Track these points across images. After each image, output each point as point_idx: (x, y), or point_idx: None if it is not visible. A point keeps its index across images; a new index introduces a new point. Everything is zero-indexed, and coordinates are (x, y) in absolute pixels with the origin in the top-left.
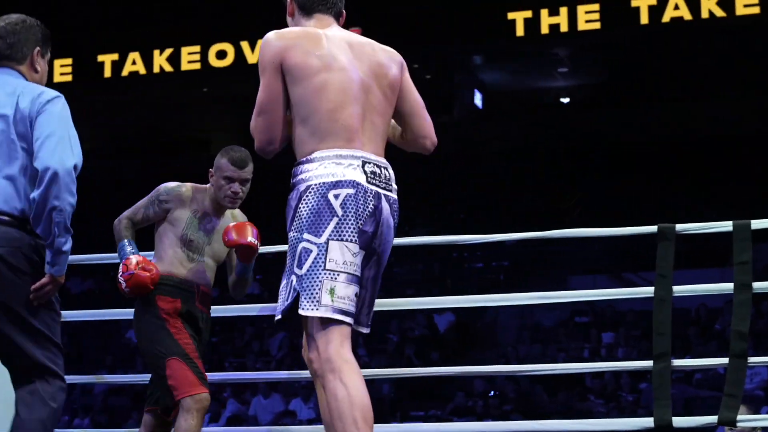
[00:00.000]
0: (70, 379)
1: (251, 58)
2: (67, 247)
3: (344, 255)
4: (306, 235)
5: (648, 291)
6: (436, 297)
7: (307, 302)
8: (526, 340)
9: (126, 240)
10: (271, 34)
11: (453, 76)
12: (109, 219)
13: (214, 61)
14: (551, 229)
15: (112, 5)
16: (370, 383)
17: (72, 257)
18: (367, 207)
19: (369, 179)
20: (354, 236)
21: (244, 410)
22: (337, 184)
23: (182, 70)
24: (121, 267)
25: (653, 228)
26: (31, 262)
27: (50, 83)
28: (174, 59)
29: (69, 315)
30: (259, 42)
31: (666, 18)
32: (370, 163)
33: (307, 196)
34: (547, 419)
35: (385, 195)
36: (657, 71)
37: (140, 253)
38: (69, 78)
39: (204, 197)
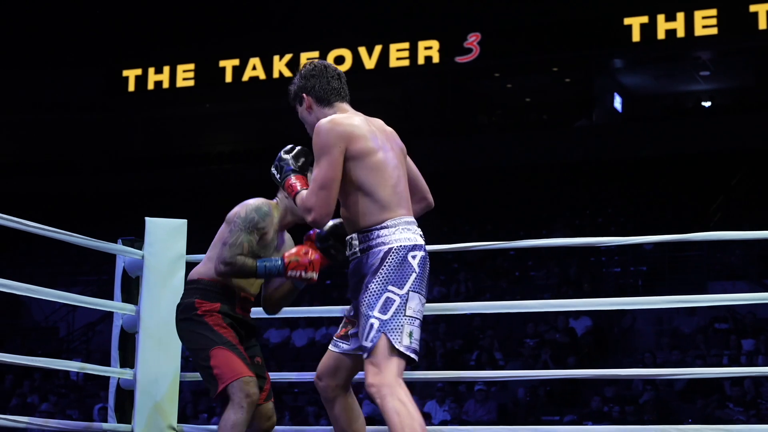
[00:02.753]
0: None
1: (368, 63)
2: None
3: (418, 304)
4: (390, 287)
5: None
6: (573, 300)
7: (396, 340)
8: (665, 346)
9: (258, 262)
10: (329, 123)
11: (593, 79)
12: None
13: None
14: (691, 233)
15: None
16: (506, 386)
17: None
18: (428, 265)
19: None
20: (424, 290)
21: (378, 411)
22: (414, 247)
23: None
24: (290, 266)
25: None
26: None
27: (173, 88)
28: (293, 65)
29: None
30: (377, 48)
31: None
32: (418, 227)
33: (390, 255)
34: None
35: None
36: None
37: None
38: (192, 83)
39: (275, 214)
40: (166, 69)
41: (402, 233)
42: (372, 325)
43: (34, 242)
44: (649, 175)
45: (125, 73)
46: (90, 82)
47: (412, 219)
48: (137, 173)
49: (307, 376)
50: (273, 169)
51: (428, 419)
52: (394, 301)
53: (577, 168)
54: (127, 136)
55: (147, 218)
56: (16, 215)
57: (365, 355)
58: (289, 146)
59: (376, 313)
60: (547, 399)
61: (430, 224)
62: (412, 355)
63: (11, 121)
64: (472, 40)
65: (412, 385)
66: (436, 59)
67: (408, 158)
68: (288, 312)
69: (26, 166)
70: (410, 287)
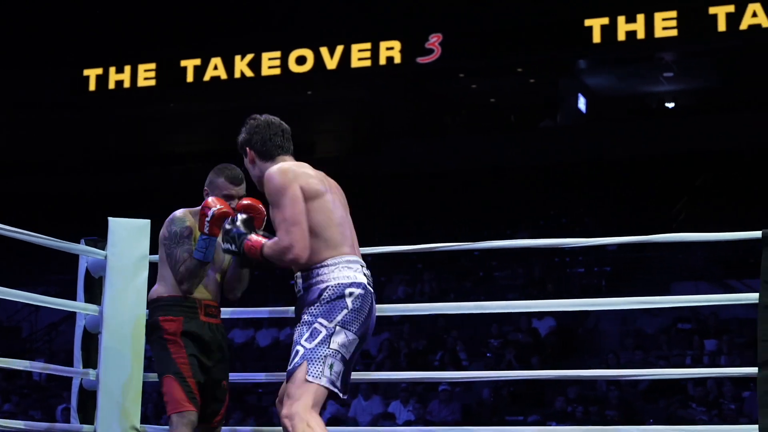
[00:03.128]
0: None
1: (330, 64)
2: None
3: (344, 339)
4: (319, 320)
5: (753, 297)
6: (537, 300)
7: (314, 371)
8: (628, 346)
9: (194, 254)
10: (278, 169)
11: (557, 80)
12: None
13: (294, 67)
14: (655, 234)
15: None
16: (470, 387)
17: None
18: (367, 303)
19: (368, 282)
20: (355, 327)
21: (344, 411)
22: (351, 285)
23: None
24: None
25: (758, 233)
26: None
27: (134, 88)
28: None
29: None
30: (339, 48)
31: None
32: (364, 266)
33: (326, 292)
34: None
35: (373, 293)
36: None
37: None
38: (153, 83)
39: (192, 218)
40: (127, 68)
41: (341, 271)
42: (297, 352)
43: None
44: (613, 175)
45: (86, 72)
46: (53, 82)
47: (356, 258)
48: (101, 173)
49: (272, 376)
50: (227, 245)
51: (392, 419)
52: (320, 332)
53: (541, 169)
54: (91, 136)
55: (110, 218)
56: None
57: (286, 380)
58: (229, 219)
59: (303, 342)
60: (511, 399)
61: (396, 224)
62: (331, 387)
63: None
64: (434, 41)
65: (377, 386)
66: (397, 60)
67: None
68: (252, 312)
69: None
70: (339, 322)
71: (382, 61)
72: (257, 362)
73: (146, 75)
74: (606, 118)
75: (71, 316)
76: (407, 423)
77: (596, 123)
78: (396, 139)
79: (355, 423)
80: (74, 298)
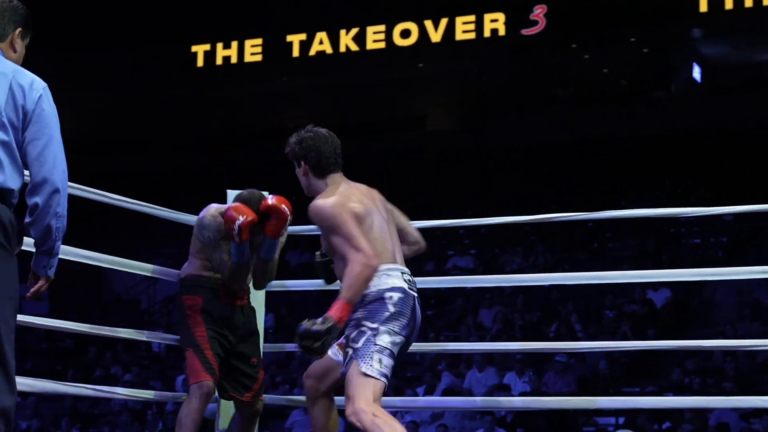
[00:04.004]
0: (292, 347)
1: (434, 37)
2: (60, 248)
3: (388, 338)
4: (364, 322)
5: None
6: (653, 270)
7: (365, 365)
8: (745, 317)
9: (232, 258)
10: (325, 204)
11: (671, 49)
12: None
13: (398, 41)
14: None
15: None
16: (585, 358)
17: (292, 228)
18: (408, 305)
19: (410, 286)
20: (398, 327)
21: (459, 383)
22: (391, 289)
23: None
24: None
25: None
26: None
27: (241, 63)
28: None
29: (290, 284)
30: (443, 21)
31: None
32: (406, 273)
33: (368, 297)
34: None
35: (416, 297)
36: None
37: None
38: (259, 58)
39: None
40: (234, 44)
41: (380, 279)
42: (347, 353)
43: (112, 216)
44: (729, 146)
45: (194, 48)
46: (163, 60)
47: (394, 266)
48: (215, 150)
49: None
50: (318, 337)
51: (507, 390)
52: (365, 333)
53: (655, 139)
54: (198, 112)
55: (228, 190)
56: None
57: (345, 380)
58: (310, 330)
59: (350, 343)
60: (627, 370)
61: (508, 196)
62: (382, 378)
63: (87, 101)
64: (538, 12)
65: (491, 357)
66: (502, 32)
67: (396, 210)
68: None
69: (103, 146)
70: (381, 322)
71: (487, 34)
72: None
73: (253, 50)
74: (722, 87)
75: None
76: (523, 394)
77: (711, 93)
78: (506, 111)
79: (470, 394)
80: None
